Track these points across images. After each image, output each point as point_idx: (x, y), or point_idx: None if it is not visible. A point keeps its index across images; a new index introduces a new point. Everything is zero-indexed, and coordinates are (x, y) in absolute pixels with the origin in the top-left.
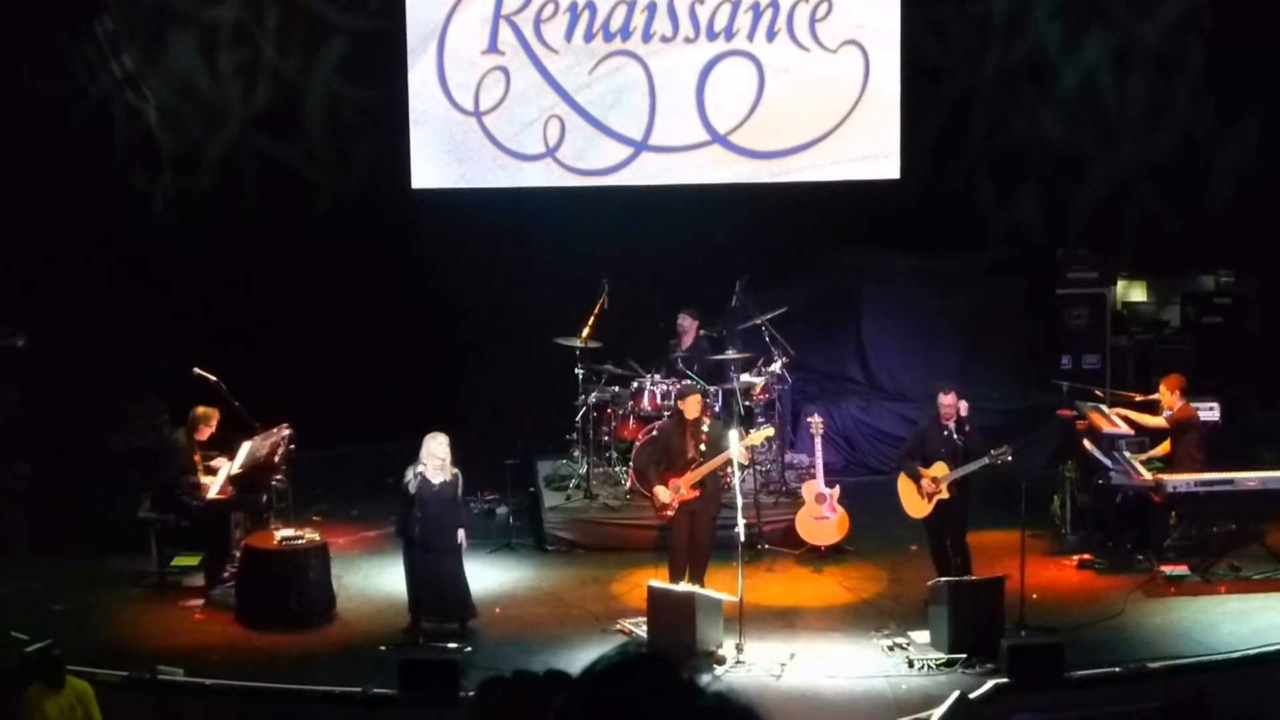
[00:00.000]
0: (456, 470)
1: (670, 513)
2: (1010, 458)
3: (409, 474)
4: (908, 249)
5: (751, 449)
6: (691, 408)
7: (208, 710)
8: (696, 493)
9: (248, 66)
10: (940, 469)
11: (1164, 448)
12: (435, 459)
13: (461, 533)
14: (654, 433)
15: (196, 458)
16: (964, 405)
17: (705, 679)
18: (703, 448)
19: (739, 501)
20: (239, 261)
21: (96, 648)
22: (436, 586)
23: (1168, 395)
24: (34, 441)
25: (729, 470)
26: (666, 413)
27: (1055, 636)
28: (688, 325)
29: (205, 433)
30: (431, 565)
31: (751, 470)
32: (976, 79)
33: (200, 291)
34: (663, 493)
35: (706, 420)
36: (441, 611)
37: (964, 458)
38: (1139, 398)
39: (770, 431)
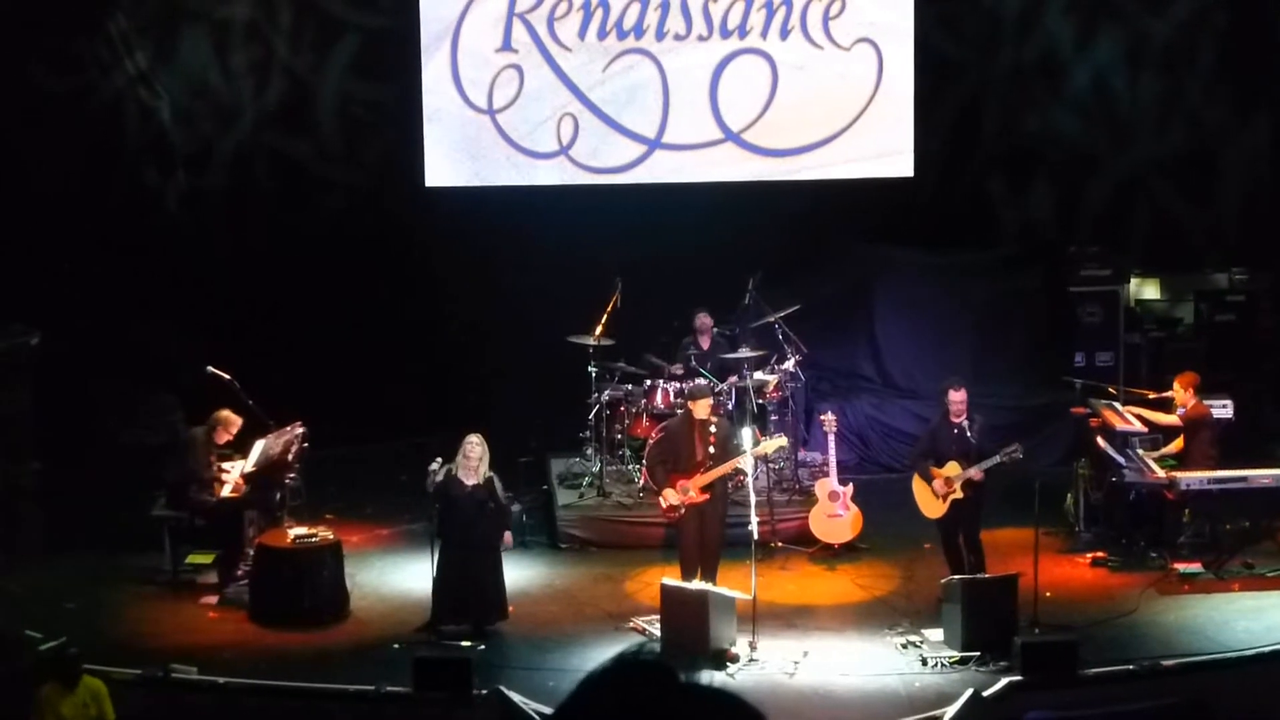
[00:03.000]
0: (492, 475)
1: (676, 514)
2: (1021, 455)
3: (437, 472)
4: (921, 246)
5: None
6: (701, 409)
7: (221, 708)
8: (706, 496)
9: (260, 64)
10: (953, 469)
11: (1177, 445)
12: (473, 458)
13: (507, 535)
14: (662, 432)
15: (212, 458)
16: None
17: (704, 680)
18: (711, 449)
19: (752, 499)
20: (252, 259)
21: (109, 646)
22: (461, 587)
23: (1182, 393)
24: (46, 439)
25: (741, 475)
26: (679, 410)
27: (1069, 634)
28: (706, 325)
29: (224, 437)
30: (458, 565)
31: (765, 469)
32: (989, 76)
33: (213, 289)
34: (671, 495)
35: (715, 420)
36: (462, 612)
37: (976, 455)
38: (1152, 395)
39: (783, 442)
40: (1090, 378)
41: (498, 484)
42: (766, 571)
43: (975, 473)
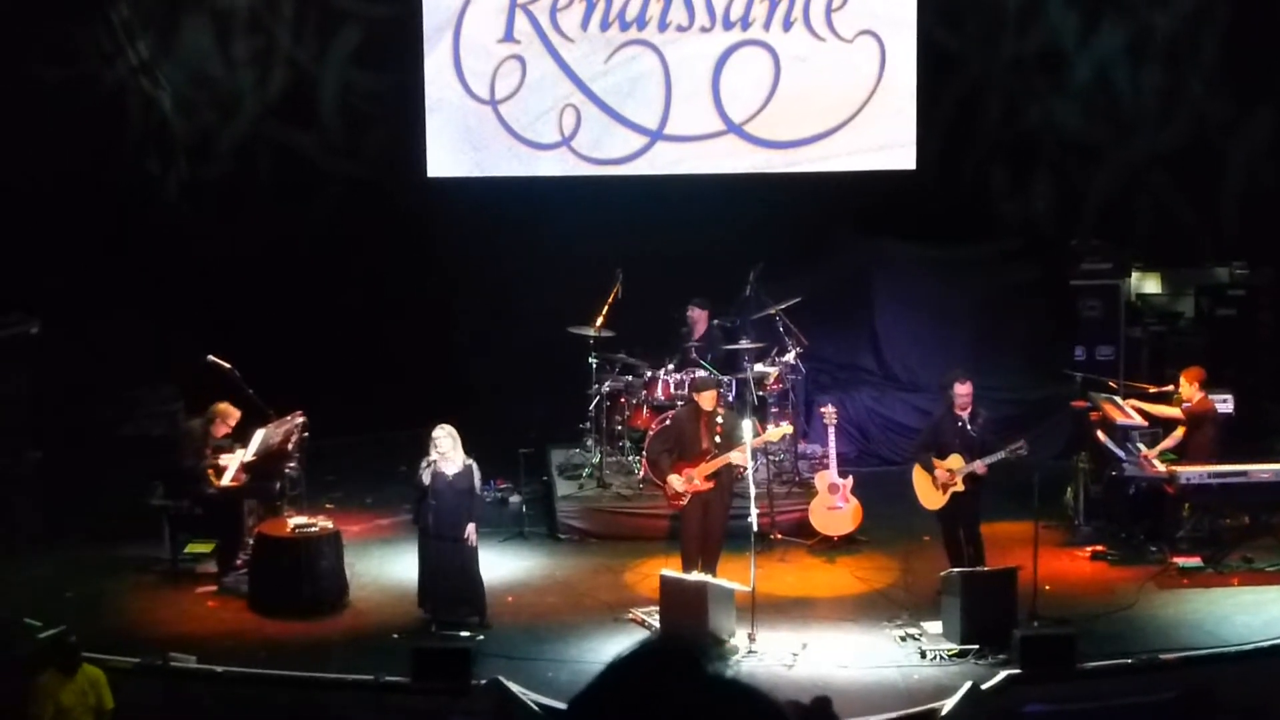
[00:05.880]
0: (470, 461)
1: (683, 502)
2: (1026, 451)
3: (423, 465)
4: (922, 239)
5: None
6: (707, 400)
7: (219, 697)
8: (711, 484)
9: (262, 54)
10: (955, 461)
11: (1174, 437)
12: (442, 450)
13: (471, 527)
14: (667, 421)
15: (208, 450)
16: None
17: (725, 668)
18: (717, 439)
19: (752, 492)
20: (252, 249)
21: (109, 634)
22: (449, 578)
23: (1188, 387)
24: (45, 428)
25: (740, 468)
26: (680, 402)
27: (1067, 627)
28: (698, 315)
29: (222, 430)
30: (445, 556)
31: (765, 461)
32: (991, 69)
33: (213, 278)
34: (676, 481)
35: (721, 412)
36: (453, 604)
37: (979, 449)
38: (1153, 389)
39: (789, 429)
40: (1090, 371)
41: (476, 471)
42: (765, 563)
43: (979, 466)
